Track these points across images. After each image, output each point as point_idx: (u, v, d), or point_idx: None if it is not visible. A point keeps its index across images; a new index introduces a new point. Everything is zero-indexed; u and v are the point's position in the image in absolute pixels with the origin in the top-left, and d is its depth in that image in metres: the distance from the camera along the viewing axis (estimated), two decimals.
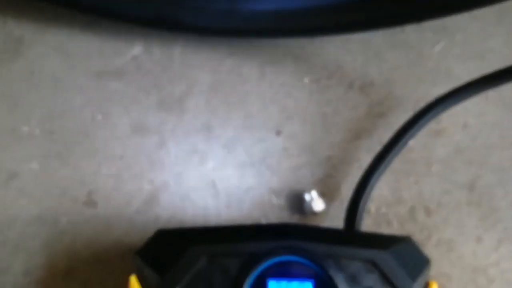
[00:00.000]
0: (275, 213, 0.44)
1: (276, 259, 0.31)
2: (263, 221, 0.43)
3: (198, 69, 0.47)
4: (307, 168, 0.45)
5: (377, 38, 0.50)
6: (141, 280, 0.32)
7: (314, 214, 0.43)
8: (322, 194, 0.44)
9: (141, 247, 0.33)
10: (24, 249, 0.41)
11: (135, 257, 0.32)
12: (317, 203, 0.43)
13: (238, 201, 0.44)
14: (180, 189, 0.43)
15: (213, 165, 0.45)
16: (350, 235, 0.35)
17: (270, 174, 0.45)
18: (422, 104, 0.42)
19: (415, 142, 0.46)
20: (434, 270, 0.42)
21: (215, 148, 0.45)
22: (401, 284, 0.31)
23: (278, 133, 0.46)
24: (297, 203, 0.44)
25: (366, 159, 0.44)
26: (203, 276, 0.31)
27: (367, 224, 0.43)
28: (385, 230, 0.43)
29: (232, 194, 0.44)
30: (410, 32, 0.50)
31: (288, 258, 0.31)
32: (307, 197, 0.43)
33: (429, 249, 0.43)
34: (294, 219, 0.44)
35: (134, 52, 0.48)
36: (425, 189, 0.45)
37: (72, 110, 0.45)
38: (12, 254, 0.41)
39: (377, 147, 0.42)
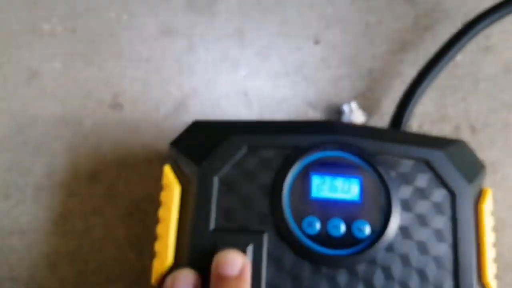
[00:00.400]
0: None
1: (321, 153, 0.29)
2: None
3: None
4: (347, 80, 0.42)
5: None
6: (175, 170, 0.29)
7: None
8: (362, 108, 0.41)
9: (176, 137, 0.30)
10: (46, 150, 0.39)
11: (170, 147, 0.30)
12: (357, 115, 0.40)
13: (272, 112, 0.41)
14: (210, 97, 0.41)
15: (245, 73, 0.42)
16: (401, 133, 0.32)
17: (306, 85, 0.42)
18: (471, 17, 0.39)
19: (463, 58, 0.43)
20: None
21: (248, 55, 0.42)
22: (456, 187, 0.29)
23: (317, 41, 0.43)
24: (335, 116, 0.41)
25: (409, 73, 0.41)
26: (243, 167, 0.28)
27: None
28: None
29: (265, 104, 0.41)
30: None
31: (334, 153, 0.29)
32: (345, 108, 0.40)
33: None
34: None
35: None
36: (471, 107, 0.42)
37: (96, 8, 0.42)
38: (33, 155, 0.39)
39: (422, 61, 0.39)
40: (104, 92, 0.40)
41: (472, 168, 0.30)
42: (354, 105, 0.40)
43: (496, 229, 0.39)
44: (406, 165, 0.29)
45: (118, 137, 0.39)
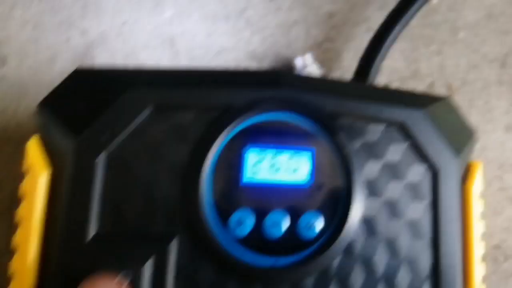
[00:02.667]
0: None
1: (259, 116, 0.21)
2: None
3: None
4: (300, 27, 0.34)
5: None
6: (45, 146, 0.20)
7: None
8: (319, 62, 0.33)
9: (48, 94, 0.21)
10: None
11: (38, 111, 0.21)
12: (312, 71, 0.32)
13: (205, 66, 0.32)
14: (124, 45, 0.32)
15: (171, 14, 0.32)
16: (368, 88, 0.24)
17: (250, 32, 0.33)
18: None
19: (440, 1, 0.35)
20: None
21: None
22: (440, 161, 0.21)
23: None
24: (285, 70, 0.33)
25: (377, 19, 0.33)
26: (146, 138, 0.20)
27: None
28: None
29: (197, 56, 0.32)
30: None
31: (277, 114, 0.21)
32: (298, 62, 0.32)
33: None
34: None
35: None
36: (448, 62, 0.35)
37: None
38: None
39: (392, 4, 0.31)
40: None
41: (460, 135, 0.23)
42: (308, 57, 0.32)
43: None
44: (374, 131, 0.21)
45: None
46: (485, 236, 0.32)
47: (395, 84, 0.34)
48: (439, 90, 0.34)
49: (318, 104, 0.21)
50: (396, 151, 0.21)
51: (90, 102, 0.20)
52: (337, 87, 0.22)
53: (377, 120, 0.21)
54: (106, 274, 0.17)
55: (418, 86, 0.34)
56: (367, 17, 0.34)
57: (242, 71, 0.23)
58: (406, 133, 0.21)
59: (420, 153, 0.21)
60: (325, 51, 0.34)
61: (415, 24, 0.35)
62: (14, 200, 0.29)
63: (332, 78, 0.26)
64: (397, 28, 0.31)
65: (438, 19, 0.35)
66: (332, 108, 0.21)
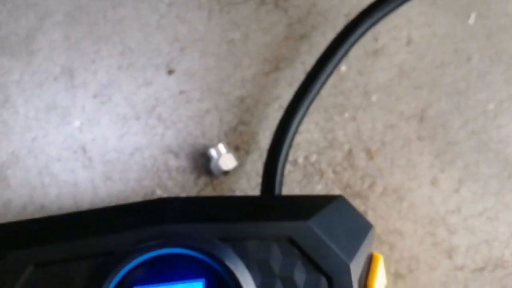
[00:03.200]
0: (175, 178, 0.33)
1: (143, 256, 0.21)
2: (159, 192, 0.32)
3: None
4: (213, 115, 0.34)
5: None
6: None
7: (226, 173, 0.33)
8: (236, 147, 0.34)
9: None
10: None
11: None
12: (226, 160, 0.32)
13: (122, 169, 0.32)
14: (36, 162, 0.32)
15: (80, 123, 0.33)
16: (259, 204, 0.25)
17: (163, 127, 0.33)
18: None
19: (348, 67, 0.36)
20: (381, 226, 0.33)
21: (82, 99, 0.33)
22: (332, 268, 0.21)
23: (170, 71, 0.34)
24: (203, 161, 0.33)
25: (288, 95, 0.34)
26: None
27: (295, 178, 0.33)
28: (318, 183, 0.34)
29: (111, 160, 0.32)
30: None
31: (161, 251, 0.21)
32: (213, 153, 0.32)
33: (374, 201, 0.33)
34: (200, 183, 0.33)
35: None
36: (364, 126, 0.35)
37: None
38: None
39: (301, 78, 0.31)
40: None
41: (354, 235, 0.23)
42: (222, 148, 0.32)
43: (409, 269, 0.33)
44: (265, 249, 0.22)
45: None
46: None
47: (313, 157, 0.34)
48: (358, 156, 0.35)
49: (203, 234, 0.21)
50: (289, 265, 0.21)
51: None
52: (224, 209, 0.22)
53: (266, 238, 0.21)
54: None
55: (336, 155, 0.34)
56: (278, 95, 0.35)
57: (124, 207, 0.23)
58: (295, 246, 0.21)
59: (312, 263, 0.21)
60: (240, 135, 0.34)
61: (327, 94, 0.35)
62: None
63: (223, 197, 0.26)
64: (305, 104, 0.31)
65: (349, 85, 0.36)
66: (220, 235, 0.21)
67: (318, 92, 0.32)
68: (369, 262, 0.23)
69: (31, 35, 0.34)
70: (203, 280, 0.21)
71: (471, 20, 0.37)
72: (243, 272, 0.21)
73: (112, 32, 0.34)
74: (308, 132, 0.34)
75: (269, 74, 0.35)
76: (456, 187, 0.34)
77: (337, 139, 0.35)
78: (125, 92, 0.33)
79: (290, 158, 0.34)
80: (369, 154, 0.35)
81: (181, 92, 0.34)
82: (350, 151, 0.35)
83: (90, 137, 0.32)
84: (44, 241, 0.20)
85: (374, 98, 0.36)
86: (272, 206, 0.23)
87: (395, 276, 0.32)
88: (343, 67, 0.36)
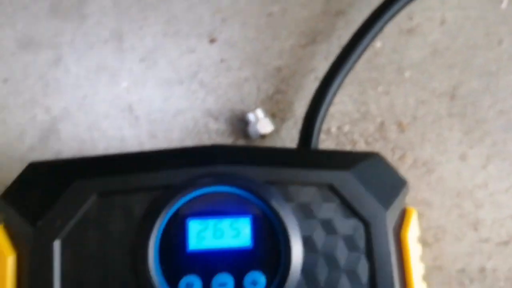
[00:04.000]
0: (214, 140, 0.34)
1: (197, 191, 0.22)
2: None
3: None
4: (251, 83, 0.36)
5: None
6: (10, 231, 0.22)
7: (262, 137, 0.34)
8: (272, 114, 0.35)
9: (7, 188, 0.23)
10: None
11: (1, 202, 0.23)
12: (264, 124, 0.33)
13: (165, 129, 0.34)
14: (86, 117, 0.33)
15: (127, 84, 0.34)
16: (301, 154, 0.26)
17: (204, 92, 0.35)
18: None
19: (383, 44, 0.37)
20: (410, 196, 0.34)
21: (130, 62, 0.35)
22: (369, 214, 0.23)
23: (212, 40, 0.36)
24: (241, 126, 0.35)
25: (324, 68, 0.35)
26: (94, 221, 0.22)
27: (328, 147, 0.35)
28: None
29: (156, 120, 0.34)
30: None
31: (213, 188, 0.22)
32: (251, 117, 0.34)
33: (404, 172, 0.35)
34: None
35: None
36: (397, 101, 0.36)
37: None
38: None
39: (336, 52, 0.33)
40: None
41: (389, 188, 0.25)
42: (260, 113, 0.34)
43: (436, 238, 0.34)
44: (307, 193, 0.23)
45: None
46: (449, 261, 0.33)
47: (346, 128, 0.36)
48: (390, 128, 0.36)
49: (251, 175, 0.22)
50: (329, 209, 0.23)
51: (42, 193, 0.22)
52: (270, 156, 0.24)
53: (308, 183, 0.23)
54: None
55: (369, 127, 0.36)
56: (313, 67, 0.36)
57: (176, 149, 0.25)
58: (335, 193, 0.23)
59: (350, 209, 0.23)
60: (277, 103, 0.35)
61: (361, 68, 0.37)
62: None
63: (268, 147, 0.28)
64: (337, 80, 0.32)
65: (383, 61, 0.37)
66: (265, 178, 0.23)
67: (353, 64, 0.33)
68: (403, 215, 0.25)
69: (83, 0, 0.36)
70: (250, 216, 0.22)
71: (504, 5, 0.38)
72: (287, 212, 0.22)
73: (159, 0, 0.36)
74: (342, 104, 0.36)
75: (306, 46, 0.37)
76: (484, 163, 0.35)
77: (370, 111, 0.36)
78: (170, 58, 0.35)
79: (324, 127, 0.35)
80: (401, 127, 0.36)
81: (222, 60, 0.36)
82: (382, 124, 0.36)
83: (137, 98, 0.34)
84: (108, 173, 0.22)
85: (407, 74, 0.37)
86: (314, 157, 0.25)
87: (421, 244, 0.34)
88: (378, 43, 0.37)
